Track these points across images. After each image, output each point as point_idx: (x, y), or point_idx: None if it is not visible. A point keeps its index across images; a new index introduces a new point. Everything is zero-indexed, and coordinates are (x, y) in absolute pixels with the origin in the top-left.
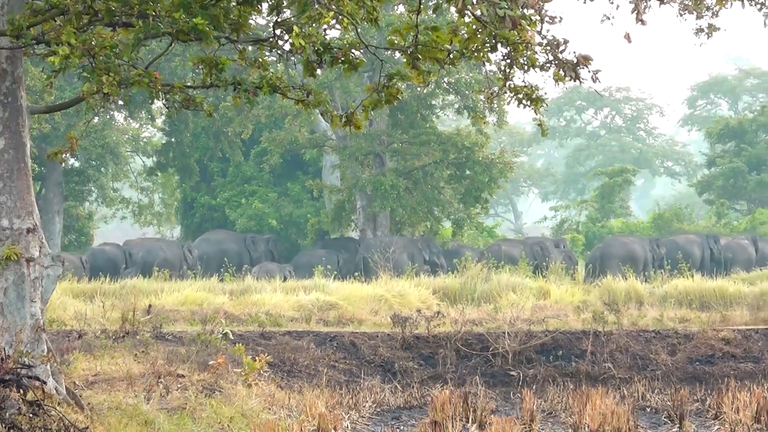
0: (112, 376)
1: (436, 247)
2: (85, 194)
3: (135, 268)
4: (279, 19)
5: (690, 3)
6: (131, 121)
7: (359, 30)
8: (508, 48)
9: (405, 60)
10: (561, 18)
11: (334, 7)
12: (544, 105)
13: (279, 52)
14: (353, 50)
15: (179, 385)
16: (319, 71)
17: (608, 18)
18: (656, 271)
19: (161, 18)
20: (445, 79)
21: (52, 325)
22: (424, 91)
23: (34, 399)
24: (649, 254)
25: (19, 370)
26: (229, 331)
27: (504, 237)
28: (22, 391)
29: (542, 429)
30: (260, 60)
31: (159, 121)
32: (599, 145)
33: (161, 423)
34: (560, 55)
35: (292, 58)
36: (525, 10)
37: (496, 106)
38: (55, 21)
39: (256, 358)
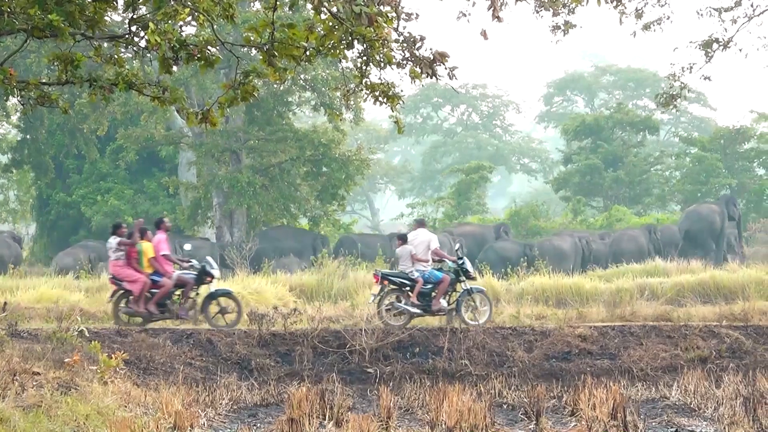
0: None
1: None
2: None
3: None
4: (135, 16)
5: (546, 0)
6: None
7: (215, 27)
8: (365, 45)
9: (261, 57)
10: (417, 15)
11: (189, 3)
12: (401, 102)
13: (135, 48)
14: (209, 47)
15: (35, 383)
16: (175, 68)
17: (465, 15)
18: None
19: (16, 14)
20: (302, 76)
21: None
22: (281, 88)
23: None
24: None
25: None
26: (84, 329)
27: (361, 233)
28: None
29: (399, 426)
30: (116, 57)
31: (14, 118)
32: (456, 142)
33: (16, 421)
34: (417, 52)
35: (148, 55)
36: (381, 7)
37: (352, 103)
38: None
39: (112, 355)
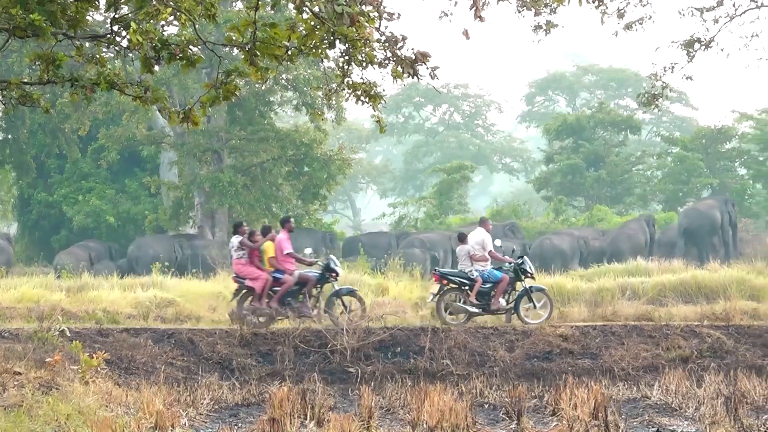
0: None
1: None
2: None
3: None
4: (116, 16)
5: (528, 0)
6: None
7: (197, 26)
8: (347, 45)
9: (243, 56)
10: (399, 14)
11: (171, 3)
12: (383, 102)
13: (116, 48)
14: (191, 47)
15: (16, 383)
16: (156, 67)
17: (447, 14)
18: None
19: None
20: (284, 76)
21: None
22: (263, 87)
23: None
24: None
25: None
26: (66, 329)
27: (343, 233)
28: None
29: (380, 426)
30: (98, 56)
31: None
32: (437, 141)
33: None
34: (398, 52)
35: (130, 55)
36: (363, 7)
37: (334, 102)
38: None
39: (94, 355)
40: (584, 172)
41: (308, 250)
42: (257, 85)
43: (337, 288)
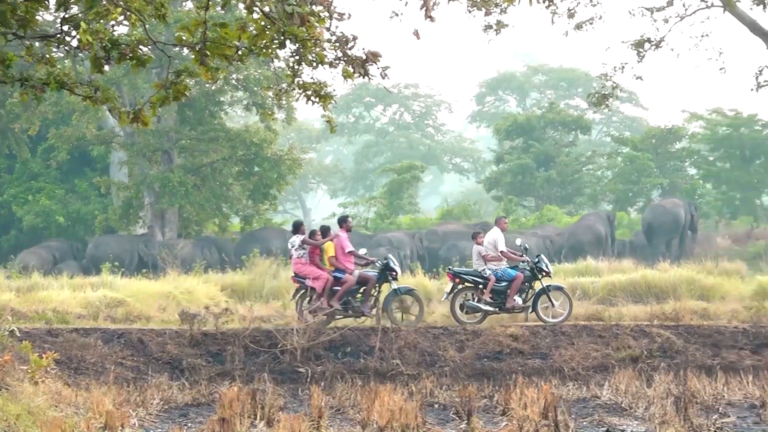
0: None
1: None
2: None
3: None
4: (66, 15)
5: (478, 0)
6: None
7: (147, 26)
8: (297, 44)
9: (193, 56)
10: (350, 14)
11: (122, 3)
12: (333, 101)
13: (66, 48)
14: (141, 46)
15: None
16: (106, 67)
17: (397, 14)
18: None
19: None
20: (234, 76)
21: None
22: (213, 87)
23: None
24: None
25: None
26: (15, 329)
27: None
28: None
29: (330, 425)
30: (48, 56)
31: None
32: (388, 141)
33: None
34: (349, 52)
35: (80, 54)
36: (313, 7)
37: (284, 102)
38: None
39: (43, 355)
40: (534, 172)
41: (363, 251)
42: (207, 85)
43: (396, 287)
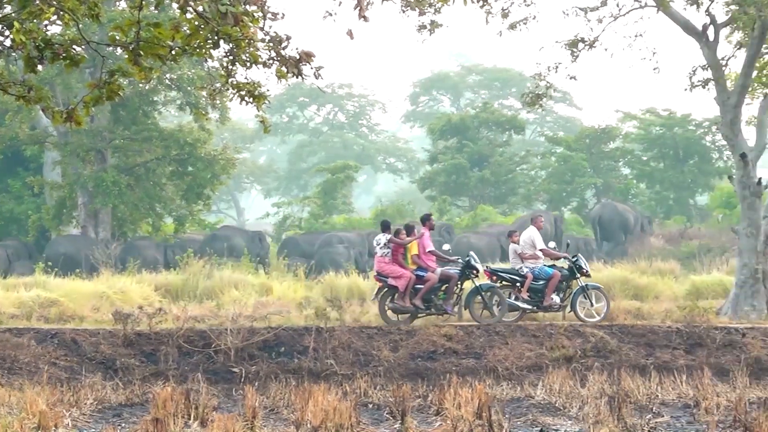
0: None
1: None
2: None
3: None
4: None
5: (412, 0)
6: None
7: (81, 26)
8: (231, 44)
9: (127, 56)
10: (283, 14)
11: (55, 2)
12: (267, 102)
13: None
14: (75, 46)
15: None
16: (40, 67)
17: (331, 14)
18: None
19: None
20: (168, 76)
21: None
22: (146, 87)
23: None
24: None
25: None
26: None
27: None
28: None
29: (264, 426)
30: None
31: None
32: (322, 141)
33: None
34: (283, 52)
35: (13, 54)
36: (247, 7)
37: (218, 102)
38: None
39: None
40: (468, 171)
41: (446, 246)
42: (141, 85)
43: (478, 284)
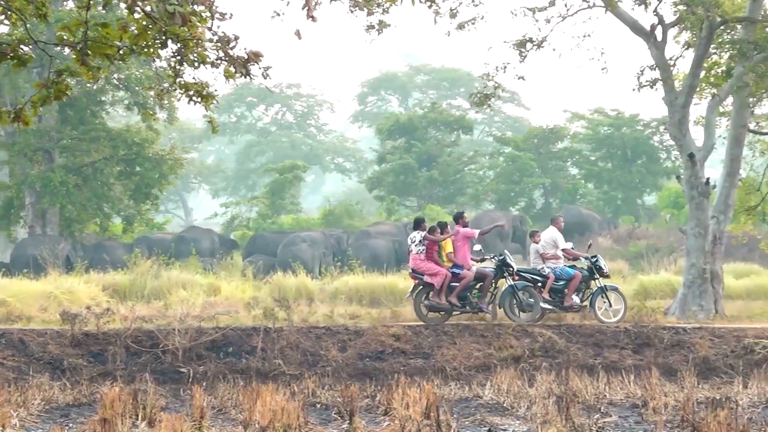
0: None
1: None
2: None
3: None
4: None
5: (360, 0)
6: None
7: (28, 25)
8: (179, 44)
9: (74, 56)
10: (231, 14)
11: (2, 2)
12: (215, 101)
13: None
14: (22, 46)
15: None
16: None
17: (279, 14)
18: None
19: None
20: (116, 76)
21: None
22: (94, 87)
23: None
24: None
25: None
26: None
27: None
28: None
29: (212, 426)
30: None
31: None
32: (270, 141)
33: None
34: (231, 52)
35: None
36: (195, 7)
37: (166, 102)
38: None
39: None
40: (416, 171)
41: (477, 247)
42: (89, 85)
43: (512, 283)
